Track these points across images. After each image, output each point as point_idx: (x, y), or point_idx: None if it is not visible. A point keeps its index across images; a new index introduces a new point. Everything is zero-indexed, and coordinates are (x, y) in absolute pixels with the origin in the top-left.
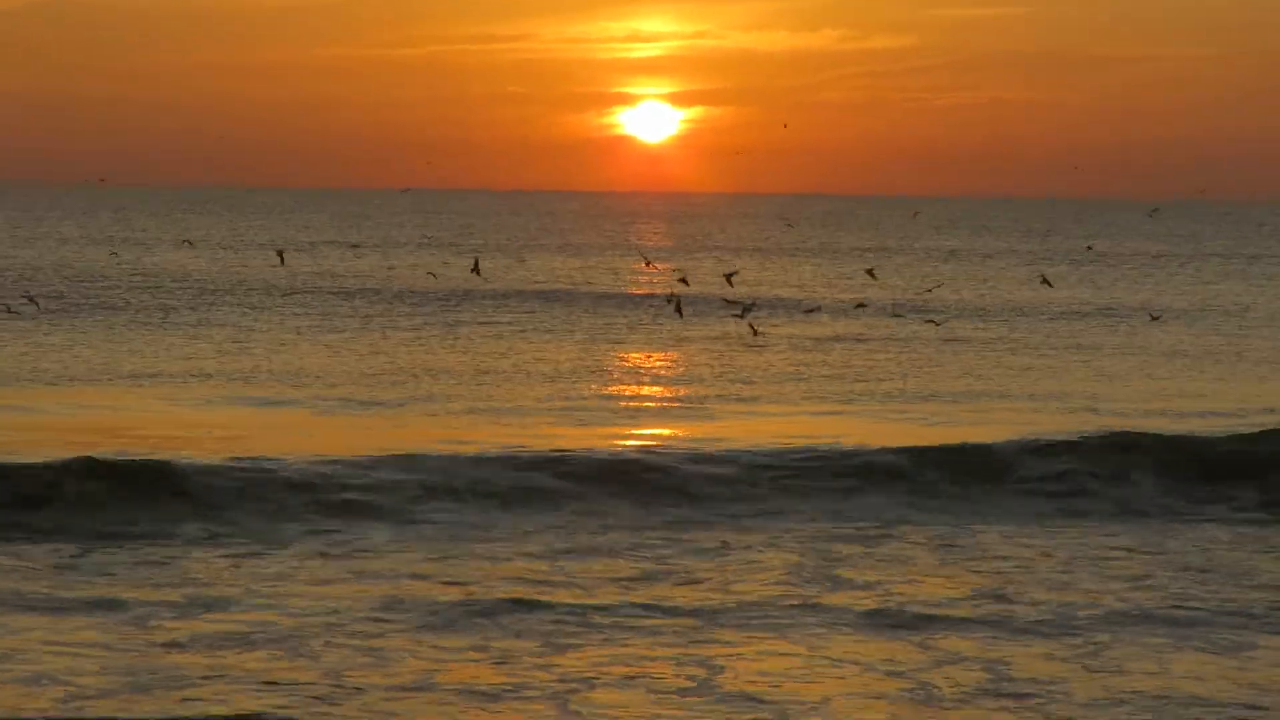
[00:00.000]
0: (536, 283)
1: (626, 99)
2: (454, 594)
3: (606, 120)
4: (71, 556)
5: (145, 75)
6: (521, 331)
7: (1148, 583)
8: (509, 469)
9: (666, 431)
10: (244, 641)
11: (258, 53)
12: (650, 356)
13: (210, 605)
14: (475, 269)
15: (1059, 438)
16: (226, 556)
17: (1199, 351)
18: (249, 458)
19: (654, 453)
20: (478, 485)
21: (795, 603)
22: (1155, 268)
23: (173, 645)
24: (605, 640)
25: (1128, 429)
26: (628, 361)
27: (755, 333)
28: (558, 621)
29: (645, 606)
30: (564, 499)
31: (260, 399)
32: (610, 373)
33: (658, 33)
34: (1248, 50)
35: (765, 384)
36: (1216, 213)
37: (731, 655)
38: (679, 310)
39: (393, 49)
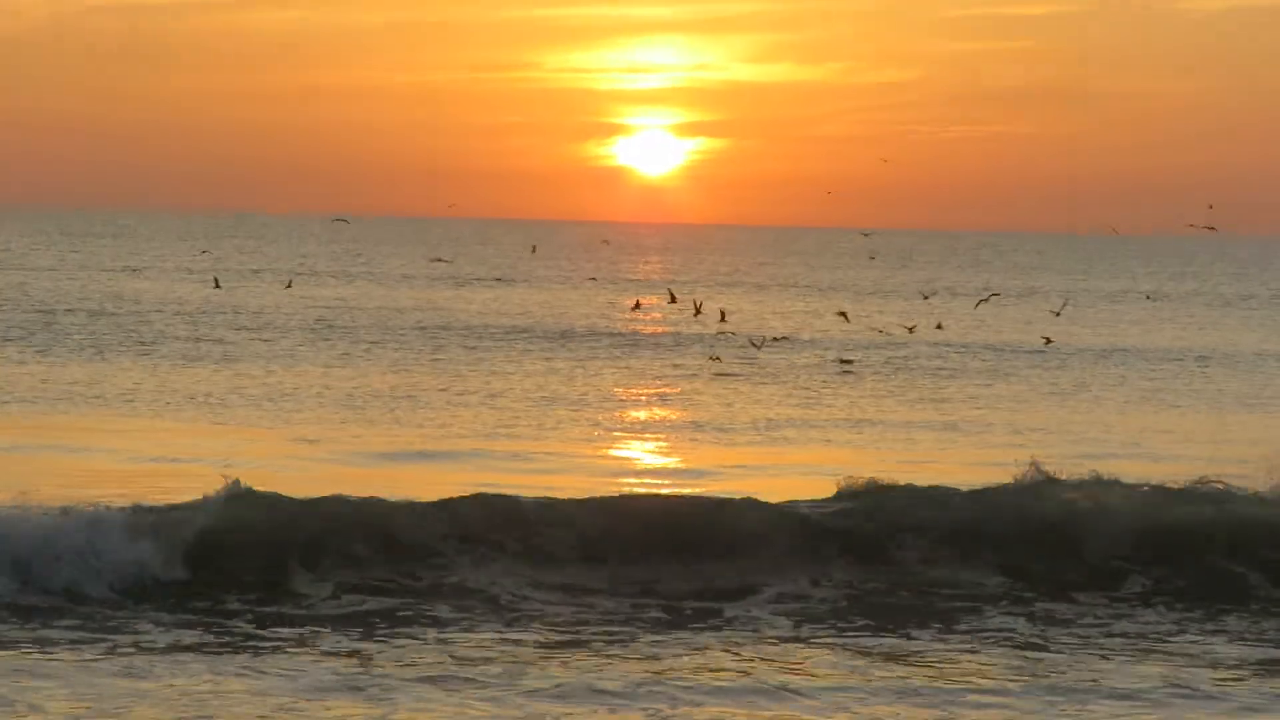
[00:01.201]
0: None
1: (627, 129)
2: None
3: (607, 150)
4: None
5: (145, 99)
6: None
7: None
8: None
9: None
10: None
11: (256, 78)
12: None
13: None
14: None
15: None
16: None
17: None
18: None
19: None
20: None
21: None
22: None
23: None
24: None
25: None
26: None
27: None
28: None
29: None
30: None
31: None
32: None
33: (660, 64)
34: (1248, 84)
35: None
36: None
37: None
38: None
39: (392, 75)
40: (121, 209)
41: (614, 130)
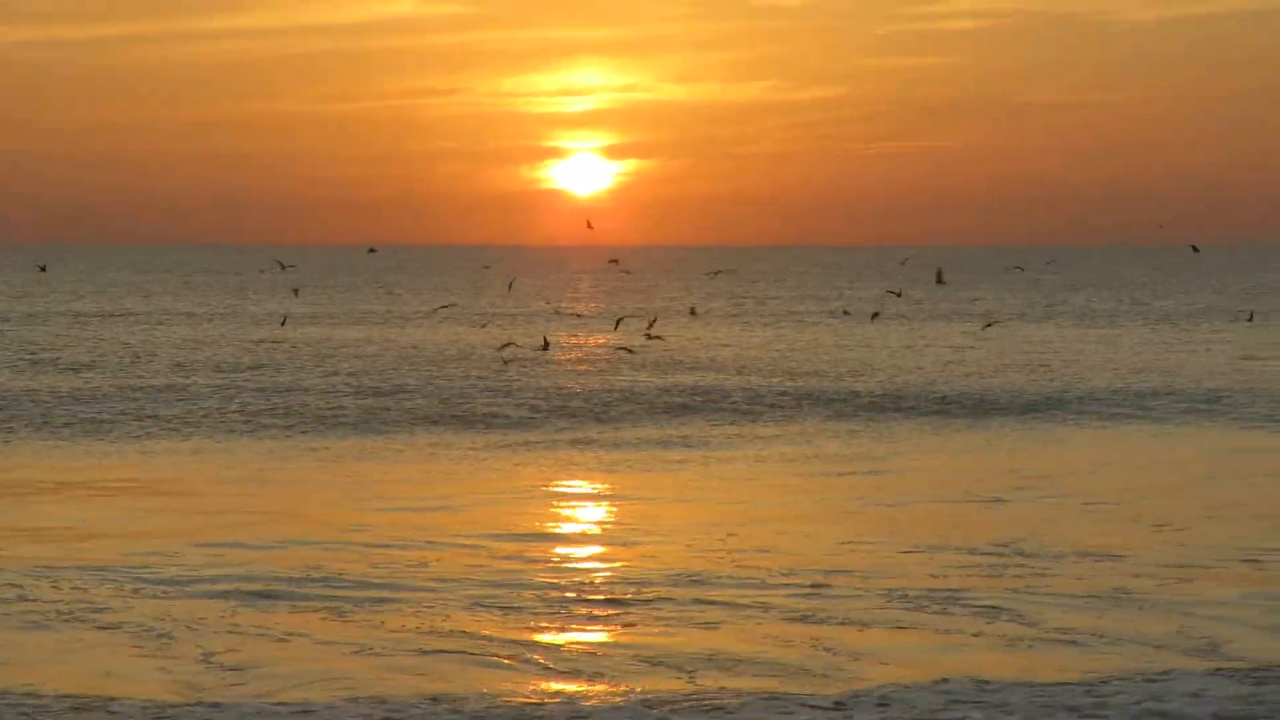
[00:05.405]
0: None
1: (559, 152)
2: None
3: (539, 174)
4: None
5: (78, 132)
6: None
7: None
8: None
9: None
10: None
11: (190, 109)
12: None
13: None
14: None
15: None
16: None
17: None
18: None
19: None
20: None
21: None
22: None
23: None
24: None
25: None
26: None
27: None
28: None
29: None
30: None
31: None
32: None
33: (589, 86)
34: (1177, 93)
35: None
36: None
37: None
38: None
39: (326, 104)
40: (57, 243)
41: (545, 153)
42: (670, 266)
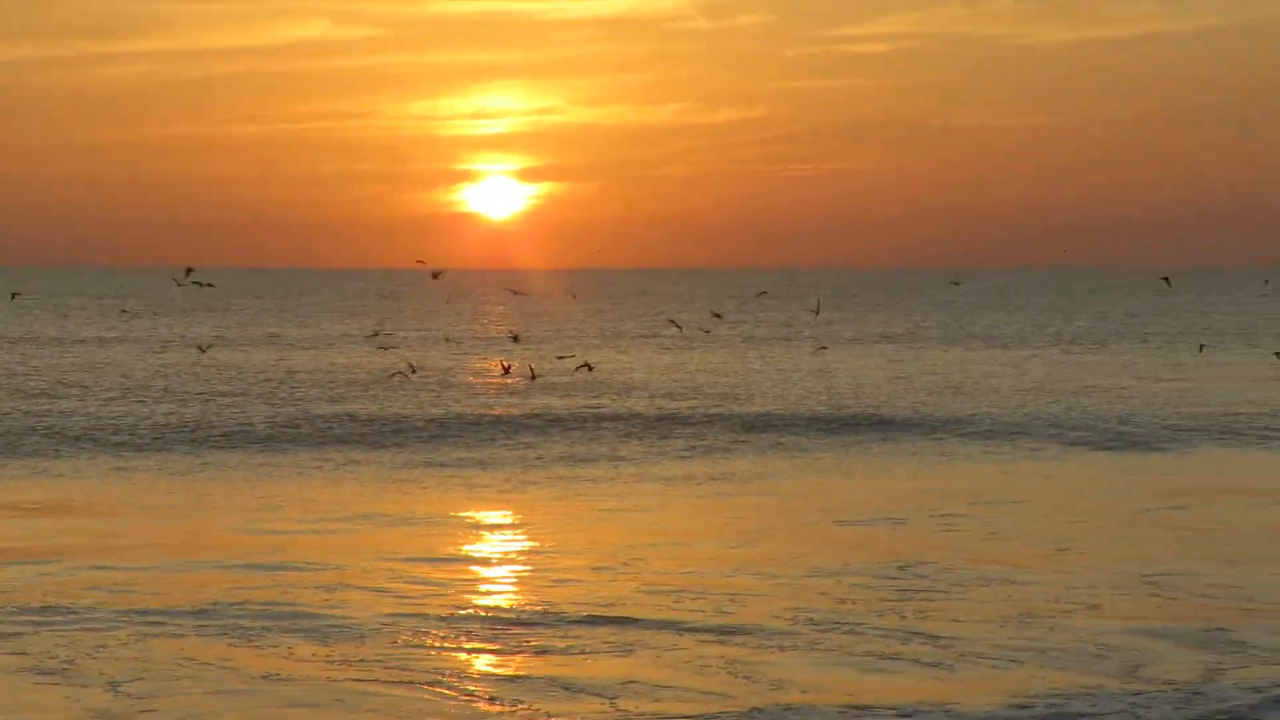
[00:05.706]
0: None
1: (472, 175)
2: None
3: (452, 197)
4: None
5: None
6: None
7: None
8: None
9: None
10: None
11: (100, 132)
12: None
13: None
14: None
15: None
16: None
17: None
18: None
19: None
20: None
21: None
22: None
23: None
24: None
25: None
26: None
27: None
28: None
29: None
30: None
31: None
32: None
33: (503, 109)
34: (1089, 117)
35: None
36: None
37: None
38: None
39: (237, 126)
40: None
41: (458, 176)
42: (555, 289)
